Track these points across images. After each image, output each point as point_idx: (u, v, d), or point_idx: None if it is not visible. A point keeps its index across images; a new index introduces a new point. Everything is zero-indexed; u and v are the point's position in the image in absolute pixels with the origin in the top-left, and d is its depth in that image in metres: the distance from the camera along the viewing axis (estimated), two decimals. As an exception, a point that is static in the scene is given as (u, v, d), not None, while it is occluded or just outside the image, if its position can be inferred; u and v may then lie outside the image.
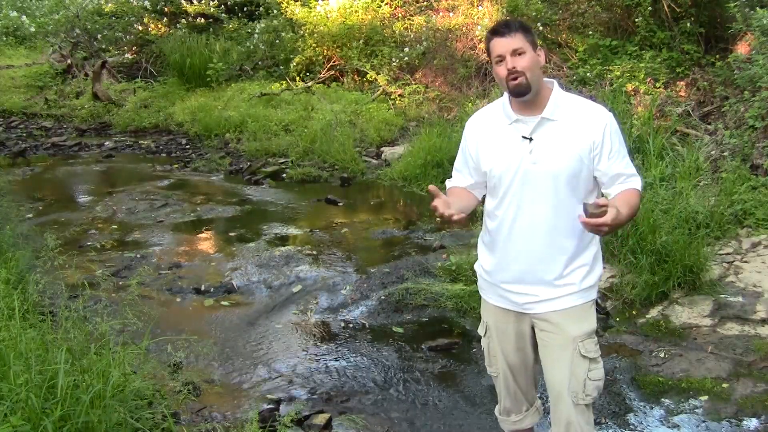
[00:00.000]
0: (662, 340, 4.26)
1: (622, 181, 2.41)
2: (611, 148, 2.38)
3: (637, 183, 2.43)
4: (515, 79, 2.32)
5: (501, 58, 2.34)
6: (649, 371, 3.95)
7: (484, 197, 2.64)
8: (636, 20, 8.24)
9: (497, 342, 2.64)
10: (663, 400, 3.68)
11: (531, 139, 2.38)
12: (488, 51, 2.41)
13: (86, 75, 12.94)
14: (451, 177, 2.69)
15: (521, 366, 2.65)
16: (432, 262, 5.44)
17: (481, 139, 2.51)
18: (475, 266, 2.71)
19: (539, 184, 2.38)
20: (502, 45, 2.33)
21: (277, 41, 12.07)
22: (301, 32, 11.55)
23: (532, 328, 2.58)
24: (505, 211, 2.46)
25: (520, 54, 2.32)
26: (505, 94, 2.46)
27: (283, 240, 6.31)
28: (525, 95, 2.35)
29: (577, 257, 2.46)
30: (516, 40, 2.32)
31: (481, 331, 2.73)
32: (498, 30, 2.36)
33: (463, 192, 2.59)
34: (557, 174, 2.36)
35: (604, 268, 2.61)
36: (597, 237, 2.51)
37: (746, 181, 5.63)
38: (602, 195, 2.46)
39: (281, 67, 11.90)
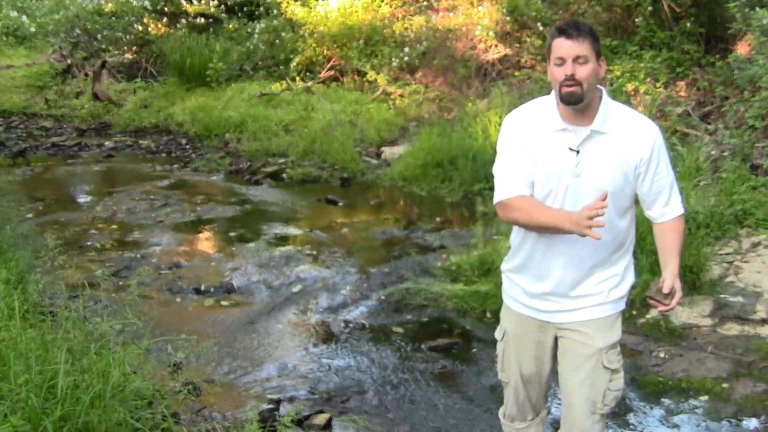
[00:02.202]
0: (662, 340, 4.26)
1: (666, 203, 2.35)
2: (657, 165, 2.31)
3: (679, 205, 2.39)
4: (570, 86, 2.20)
5: (562, 61, 2.20)
6: (649, 371, 3.95)
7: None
8: (636, 20, 8.24)
9: (514, 349, 2.55)
10: (663, 400, 3.68)
11: (578, 152, 2.27)
12: (549, 48, 2.26)
13: (86, 75, 12.93)
14: (508, 184, 2.34)
15: (535, 376, 2.56)
16: (432, 262, 5.44)
17: (526, 141, 2.33)
18: (503, 267, 2.59)
19: (581, 198, 2.26)
20: (567, 48, 2.19)
21: (277, 41, 12.07)
22: (301, 32, 11.55)
23: (554, 339, 2.49)
24: None
25: (582, 62, 2.19)
26: (552, 96, 2.33)
27: (283, 240, 6.31)
28: (576, 104, 2.23)
29: (610, 268, 2.40)
30: (582, 47, 2.18)
31: (498, 335, 2.63)
32: (566, 30, 2.21)
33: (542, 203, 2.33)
34: (600, 188, 2.22)
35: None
36: (631, 249, 2.46)
37: (746, 181, 5.64)
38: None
39: (281, 67, 11.90)
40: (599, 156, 2.27)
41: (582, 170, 2.27)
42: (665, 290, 2.25)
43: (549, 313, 2.45)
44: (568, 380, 2.46)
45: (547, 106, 2.34)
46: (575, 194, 2.28)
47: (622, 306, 2.47)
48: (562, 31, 2.21)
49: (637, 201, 2.44)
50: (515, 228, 2.49)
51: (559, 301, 2.41)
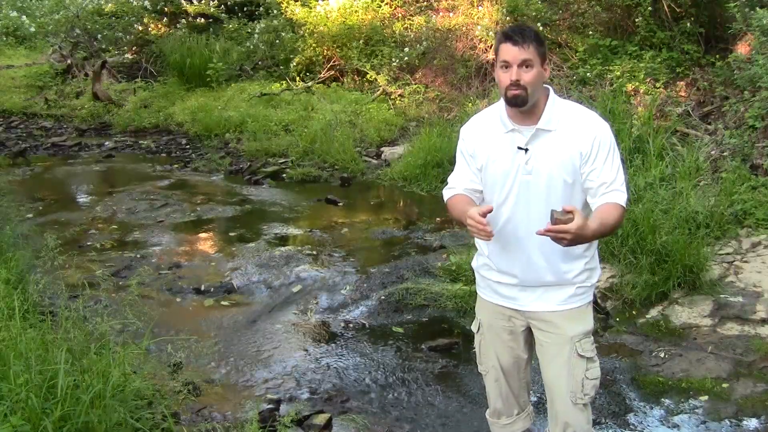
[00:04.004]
0: (662, 340, 4.26)
1: (604, 192, 2.32)
2: (596, 159, 2.32)
3: (619, 197, 2.32)
4: (515, 90, 2.29)
5: (507, 65, 2.30)
6: (649, 371, 3.95)
7: None
8: (636, 20, 8.24)
9: (490, 340, 2.64)
10: (663, 400, 3.68)
11: (527, 150, 2.36)
12: (496, 51, 2.37)
13: (86, 75, 12.93)
14: (450, 186, 2.59)
15: (513, 367, 2.64)
16: (432, 262, 5.44)
17: (478, 146, 2.48)
18: (473, 264, 2.70)
19: (534, 194, 2.37)
20: (512, 53, 2.28)
21: (277, 41, 12.07)
22: (301, 32, 11.55)
23: (528, 329, 2.57)
24: (502, 221, 2.44)
25: (527, 66, 2.28)
26: (502, 101, 2.43)
27: (283, 240, 6.31)
28: (520, 107, 2.33)
29: (576, 259, 2.45)
30: (527, 52, 2.27)
31: (474, 327, 2.72)
32: (512, 37, 2.29)
33: (469, 200, 2.50)
34: (552, 184, 2.36)
35: (603, 268, 2.61)
36: (594, 243, 2.49)
37: (746, 181, 5.64)
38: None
39: (281, 67, 11.90)
40: (547, 152, 2.36)
41: (532, 167, 2.36)
42: (568, 208, 2.08)
43: (519, 302, 2.52)
44: (548, 372, 2.53)
45: (496, 111, 2.46)
46: (528, 191, 2.37)
47: (590, 296, 2.53)
48: (508, 37, 2.31)
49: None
50: None
51: (527, 290, 2.49)
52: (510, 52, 2.29)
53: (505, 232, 2.44)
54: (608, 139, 2.36)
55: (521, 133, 2.38)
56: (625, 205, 2.34)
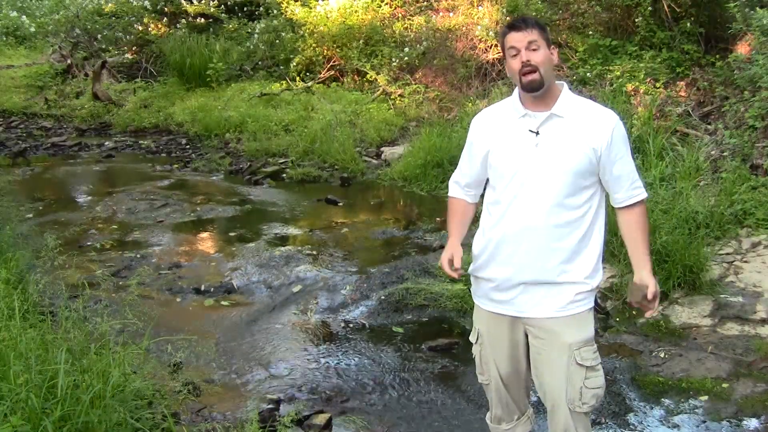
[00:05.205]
0: (662, 340, 4.26)
1: (628, 188, 2.44)
2: (617, 151, 2.39)
3: (642, 192, 2.48)
4: (529, 73, 2.33)
5: (516, 51, 2.35)
6: (649, 371, 3.95)
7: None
8: (636, 20, 8.24)
9: (490, 350, 2.58)
10: (663, 400, 3.68)
11: (537, 133, 2.38)
12: (503, 46, 2.43)
13: (86, 75, 12.95)
14: (453, 180, 2.71)
15: (514, 375, 2.59)
16: (432, 262, 5.43)
17: (489, 133, 2.50)
18: (470, 270, 2.65)
19: (542, 179, 2.36)
20: (518, 38, 2.35)
21: (277, 41, 12.09)
22: (301, 32, 11.56)
23: (526, 336, 2.52)
24: (506, 204, 2.43)
25: (534, 48, 2.34)
26: (515, 92, 2.45)
27: (283, 240, 6.31)
28: (537, 91, 2.36)
29: (576, 259, 2.41)
30: (531, 34, 2.34)
31: (472, 338, 2.66)
32: (514, 24, 2.39)
33: (464, 208, 2.68)
34: (561, 169, 2.35)
35: (603, 268, 2.57)
36: (599, 239, 2.46)
37: (746, 181, 5.63)
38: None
39: (281, 67, 11.91)
40: (558, 137, 2.38)
41: (541, 151, 2.38)
42: (650, 296, 2.28)
43: (516, 307, 2.46)
44: (546, 382, 2.49)
45: (509, 100, 2.50)
46: (536, 174, 2.39)
47: (591, 302, 2.49)
48: (511, 26, 2.40)
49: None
50: (481, 220, 2.60)
51: (524, 292, 2.44)
52: (515, 38, 2.37)
53: (509, 216, 2.43)
54: (623, 131, 2.44)
55: (534, 117, 2.40)
56: (646, 195, 2.52)
